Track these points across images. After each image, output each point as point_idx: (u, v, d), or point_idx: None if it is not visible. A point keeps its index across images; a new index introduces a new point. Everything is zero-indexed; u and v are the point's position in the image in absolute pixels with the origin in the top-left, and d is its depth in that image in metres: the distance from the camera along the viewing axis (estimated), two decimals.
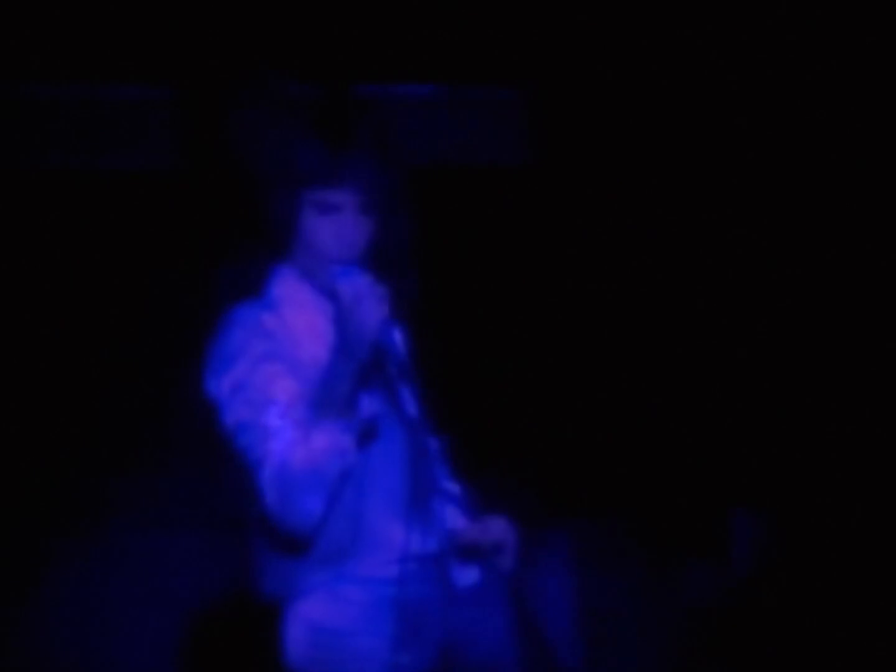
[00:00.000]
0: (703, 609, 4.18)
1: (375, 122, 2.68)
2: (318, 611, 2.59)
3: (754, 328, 4.31)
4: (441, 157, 4.32)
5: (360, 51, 4.06)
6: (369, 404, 2.55)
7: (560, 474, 4.19)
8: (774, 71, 4.17)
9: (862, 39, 4.11)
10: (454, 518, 2.66)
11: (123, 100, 4.28)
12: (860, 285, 4.22)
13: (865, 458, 4.19)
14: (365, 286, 2.52)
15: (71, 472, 4.18)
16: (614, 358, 4.13)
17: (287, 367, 2.56)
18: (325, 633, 2.57)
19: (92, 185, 4.25)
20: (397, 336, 2.60)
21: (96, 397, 4.22)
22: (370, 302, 2.50)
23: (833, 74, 4.14)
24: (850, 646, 4.12)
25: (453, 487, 2.69)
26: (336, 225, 2.60)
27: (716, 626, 4.17)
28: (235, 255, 2.69)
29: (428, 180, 2.86)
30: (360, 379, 2.50)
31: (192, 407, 2.63)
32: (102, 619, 4.20)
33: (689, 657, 4.15)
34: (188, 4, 3.99)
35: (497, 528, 2.62)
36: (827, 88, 4.16)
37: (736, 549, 4.27)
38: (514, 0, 4.09)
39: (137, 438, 4.19)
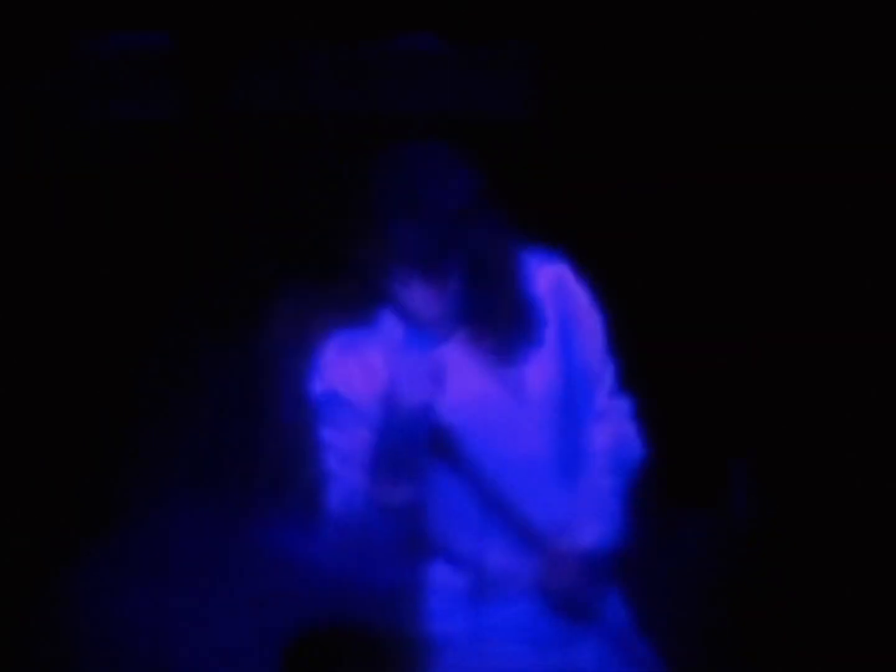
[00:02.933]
0: (703, 559, 4.20)
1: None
2: None
3: (756, 282, 4.33)
4: (447, 111, 4.31)
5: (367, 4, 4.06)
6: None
7: None
8: (783, 27, 4.18)
9: (861, 39, 4.12)
10: None
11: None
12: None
13: (866, 413, 4.23)
14: (413, 363, 2.49)
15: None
16: (618, 309, 4.11)
17: (358, 411, 2.56)
18: None
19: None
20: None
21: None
22: (413, 382, 2.49)
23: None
24: (846, 593, 4.17)
25: None
26: (408, 295, 2.54)
27: (715, 576, 4.20)
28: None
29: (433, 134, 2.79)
30: (404, 455, 2.50)
31: None
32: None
33: (688, 607, 4.18)
34: None
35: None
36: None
37: (736, 500, 4.30)
38: None
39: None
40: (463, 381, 2.57)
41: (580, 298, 2.70)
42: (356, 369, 2.58)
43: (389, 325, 2.58)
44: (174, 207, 4.20)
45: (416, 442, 2.48)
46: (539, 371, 2.63)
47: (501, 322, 2.60)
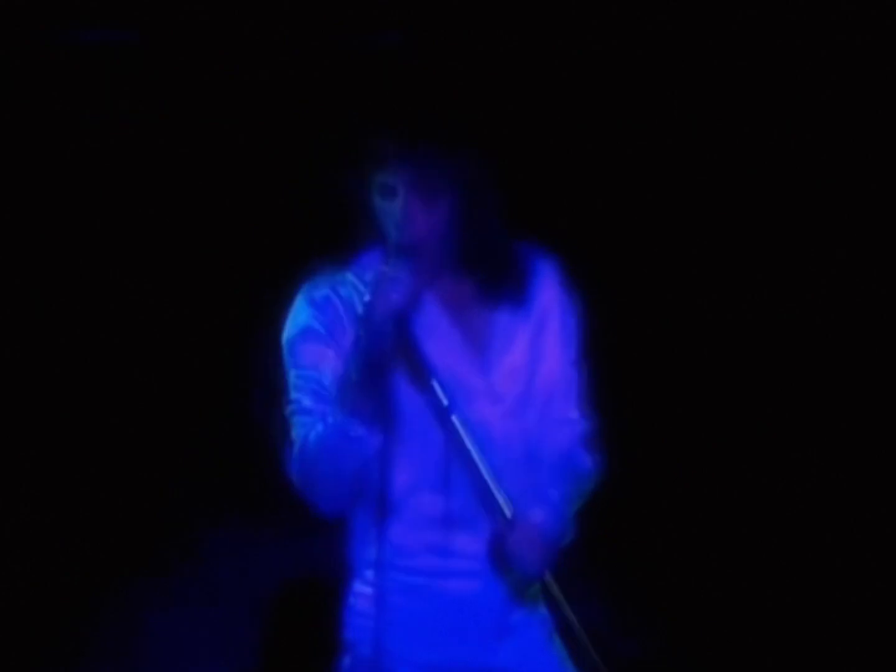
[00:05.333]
0: None
1: (442, 104, 2.62)
2: (360, 590, 2.65)
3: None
4: None
5: None
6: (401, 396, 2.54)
7: None
8: None
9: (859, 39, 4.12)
10: None
11: None
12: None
13: None
14: (387, 272, 2.49)
15: None
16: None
17: (333, 347, 2.59)
18: (363, 618, 2.63)
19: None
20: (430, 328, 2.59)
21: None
22: (384, 289, 2.48)
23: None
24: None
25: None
26: (394, 209, 2.56)
27: None
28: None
29: None
30: (373, 372, 2.49)
31: None
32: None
33: None
34: None
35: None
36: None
37: None
38: None
39: None
40: (434, 329, 2.60)
41: (565, 303, 2.71)
42: (332, 306, 2.62)
43: (368, 265, 2.61)
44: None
45: (387, 352, 2.47)
46: (509, 348, 2.65)
47: (486, 268, 2.63)
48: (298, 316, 2.64)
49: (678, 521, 4.30)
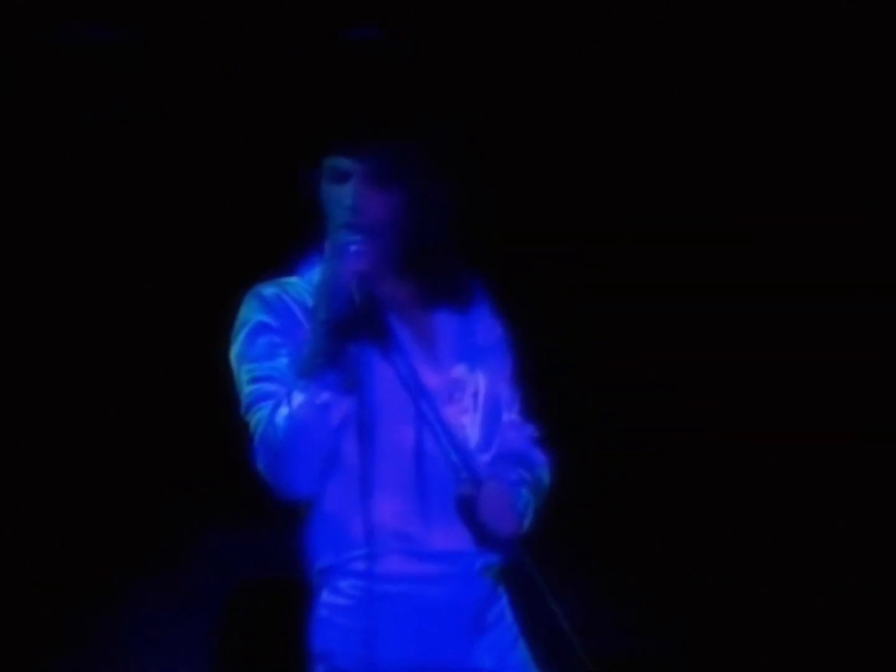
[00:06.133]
0: None
1: (396, 89, 2.67)
2: (332, 601, 2.62)
3: None
4: None
5: None
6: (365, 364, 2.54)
7: None
8: None
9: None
10: None
11: None
12: None
13: None
14: (347, 241, 2.52)
15: None
16: None
17: (285, 340, 2.59)
18: (335, 629, 2.61)
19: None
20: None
21: None
22: (343, 257, 2.50)
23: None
24: None
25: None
26: (344, 193, 2.58)
27: None
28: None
29: None
30: (335, 338, 2.50)
31: None
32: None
33: None
34: None
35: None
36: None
37: None
38: None
39: None
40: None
41: (500, 328, 2.77)
42: (282, 303, 2.62)
43: (314, 270, 2.64)
44: None
45: (350, 317, 2.48)
46: (455, 352, 2.68)
47: (428, 271, 2.66)
48: (248, 314, 2.64)
49: (669, 519, 4.29)
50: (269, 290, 2.65)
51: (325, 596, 2.64)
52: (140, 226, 4.20)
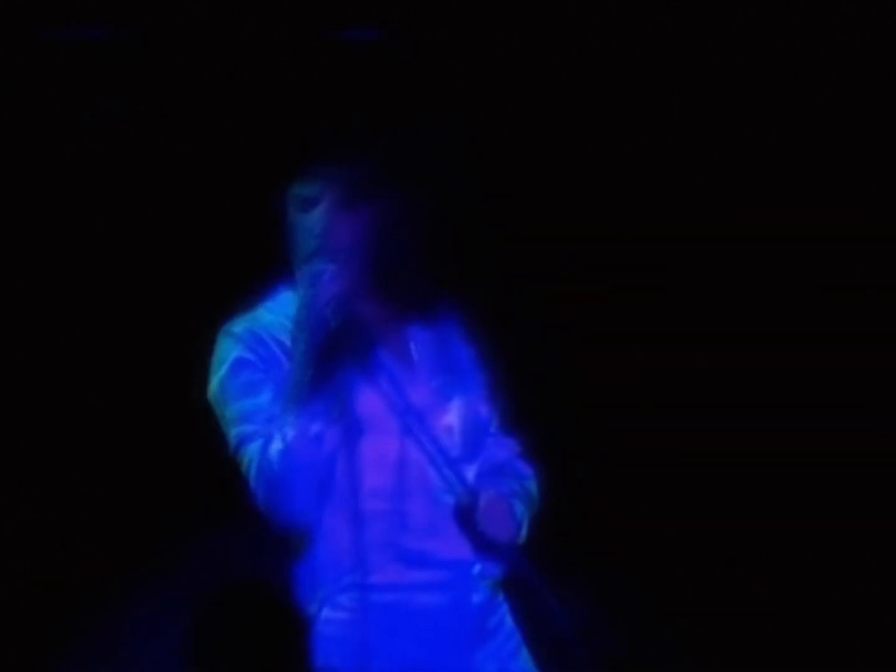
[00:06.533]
0: None
1: (363, 108, 2.68)
2: (331, 616, 2.62)
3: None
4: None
5: None
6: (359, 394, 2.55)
7: None
8: None
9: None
10: None
11: None
12: None
13: None
14: (322, 268, 2.51)
15: None
16: None
17: (265, 374, 2.57)
18: (337, 644, 2.60)
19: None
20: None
21: None
22: (317, 285, 2.49)
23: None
24: None
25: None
26: (313, 221, 2.58)
27: None
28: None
29: None
30: (318, 365, 2.49)
31: None
32: None
33: None
34: None
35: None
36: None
37: None
38: None
39: None
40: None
41: (473, 347, 2.78)
42: (255, 336, 2.60)
43: (281, 301, 2.64)
44: None
45: (331, 340, 2.48)
46: (432, 371, 2.69)
47: (398, 293, 2.66)
48: (224, 353, 2.62)
49: (667, 521, 4.29)
50: (239, 326, 2.63)
51: (326, 613, 2.64)
52: (139, 224, 4.19)
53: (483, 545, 2.61)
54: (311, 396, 2.49)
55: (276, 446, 2.50)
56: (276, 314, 2.63)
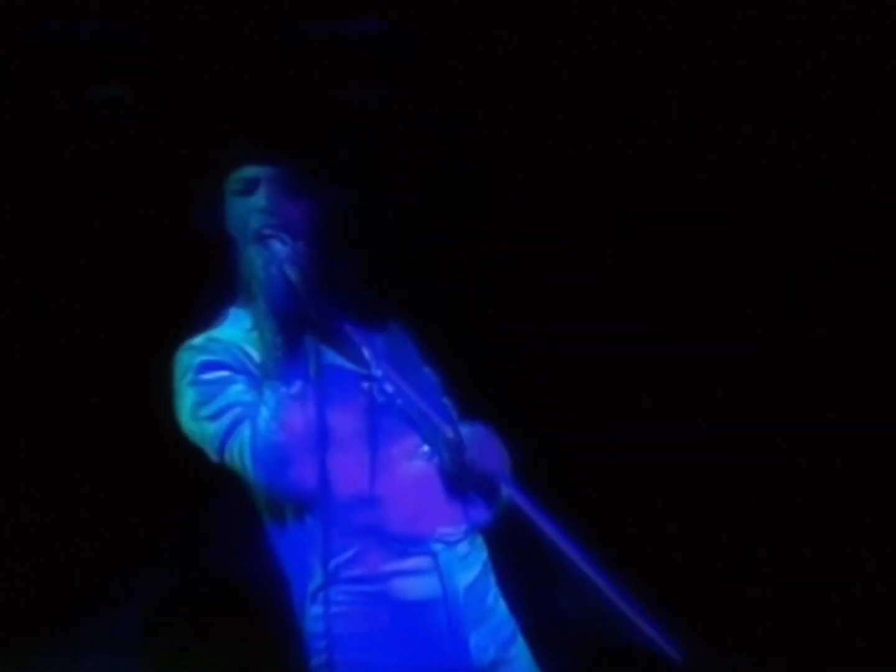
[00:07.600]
0: None
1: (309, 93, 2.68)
2: (323, 612, 2.59)
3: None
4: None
5: None
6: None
7: None
8: None
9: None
10: None
11: None
12: None
13: None
14: (271, 235, 2.52)
15: None
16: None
17: (232, 372, 2.57)
18: (328, 638, 2.58)
19: None
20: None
21: None
22: (275, 245, 2.50)
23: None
24: None
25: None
26: (254, 200, 2.58)
27: None
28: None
29: None
30: (284, 328, 2.49)
31: None
32: None
33: None
34: None
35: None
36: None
37: None
38: None
39: None
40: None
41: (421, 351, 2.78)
42: (217, 343, 2.59)
43: (233, 318, 2.64)
44: None
45: (291, 303, 2.47)
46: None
47: (350, 276, 2.67)
48: (185, 363, 2.60)
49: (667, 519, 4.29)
50: (197, 339, 2.62)
51: (314, 609, 2.61)
52: (139, 218, 4.19)
53: (479, 484, 2.62)
54: (284, 361, 2.49)
55: (263, 415, 2.49)
56: (234, 328, 2.63)
